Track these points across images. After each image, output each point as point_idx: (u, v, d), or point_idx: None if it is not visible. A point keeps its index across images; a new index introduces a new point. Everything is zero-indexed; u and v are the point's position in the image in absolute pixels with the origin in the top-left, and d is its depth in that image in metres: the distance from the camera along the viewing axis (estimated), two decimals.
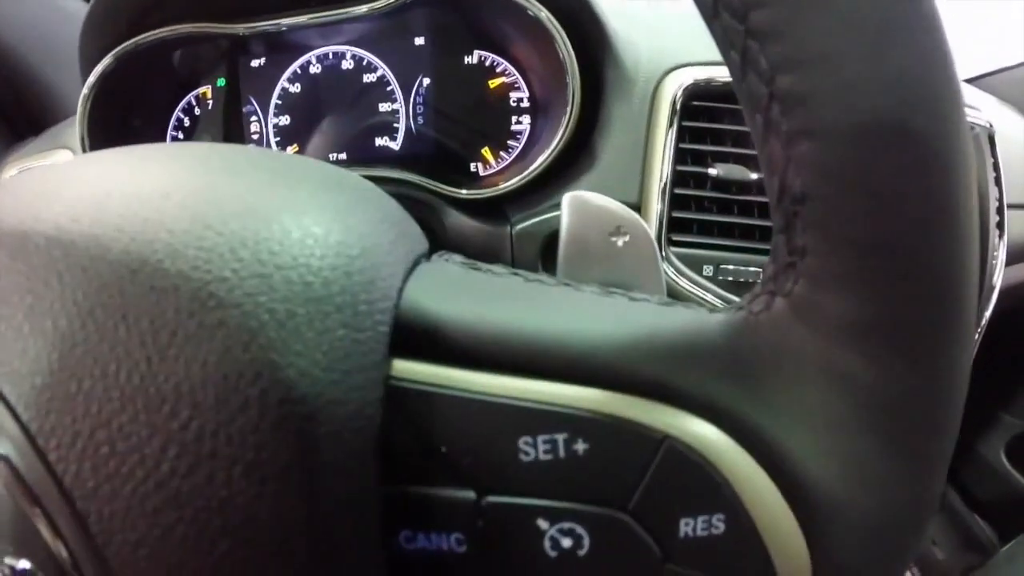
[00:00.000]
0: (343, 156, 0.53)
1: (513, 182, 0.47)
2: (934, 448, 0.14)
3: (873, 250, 0.13)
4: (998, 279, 0.53)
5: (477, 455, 0.15)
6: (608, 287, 0.18)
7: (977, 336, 0.53)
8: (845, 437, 0.14)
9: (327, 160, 0.54)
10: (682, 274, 0.46)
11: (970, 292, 0.13)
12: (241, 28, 0.52)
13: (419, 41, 0.52)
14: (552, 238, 0.47)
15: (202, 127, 0.57)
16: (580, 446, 0.14)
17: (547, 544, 0.15)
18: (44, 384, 0.15)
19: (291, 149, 0.54)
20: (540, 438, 0.14)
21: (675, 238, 0.47)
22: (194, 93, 0.57)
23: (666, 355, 0.15)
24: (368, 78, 0.53)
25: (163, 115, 0.57)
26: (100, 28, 0.52)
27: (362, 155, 0.53)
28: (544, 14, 0.46)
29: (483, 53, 0.52)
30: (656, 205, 0.46)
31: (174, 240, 0.15)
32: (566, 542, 0.15)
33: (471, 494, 0.15)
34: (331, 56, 0.53)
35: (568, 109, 0.46)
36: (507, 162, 0.52)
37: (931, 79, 0.12)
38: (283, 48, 0.54)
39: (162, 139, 0.57)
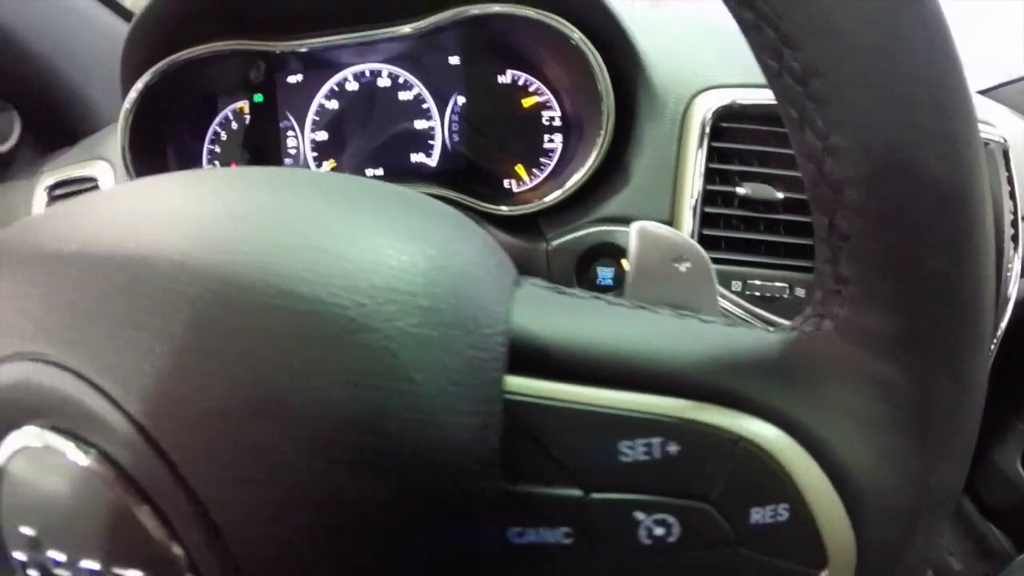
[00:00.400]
0: (379, 171, 0.55)
1: (551, 198, 0.49)
2: (957, 443, 0.17)
3: (905, 277, 0.16)
4: (1013, 290, 0.54)
5: (584, 458, 0.17)
6: (675, 308, 0.20)
7: (993, 346, 0.55)
8: (883, 435, 0.17)
9: (364, 175, 0.55)
10: None
11: (987, 306, 0.16)
12: (279, 46, 0.53)
13: (453, 60, 0.54)
14: (587, 254, 0.49)
15: (238, 141, 0.58)
16: (672, 448, 0.17)
17: (642, 533, 0.17)
18: (173, 398, 0.16)
19: (328, 164, 0.56)
20: (638, 441, 0.17)
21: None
22: (231, 107, 0.58)
23: (737, 369, 0.17)
24: (404, 95, 0.54)
25: (200, 128, 0.59)
26: (142, 43, 0.53)
27: (398, 171, 0.54)
28: (577, 35, 0.48)
29: (516, 72, 0.54)
30: (687, 223, 0.48)
31: (309, 268, 0.16)
32: (658, 531, 0.17)
33: (578, 492, 0.17)
34: (367, 74, 0.55)
35: (603, 129, 0.48)
36: (540, 179, 0.54)
37: (954, 134, 0.15)
38: (320, 65, 0.55)
39: (199, 152, 0.59)
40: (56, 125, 0.64)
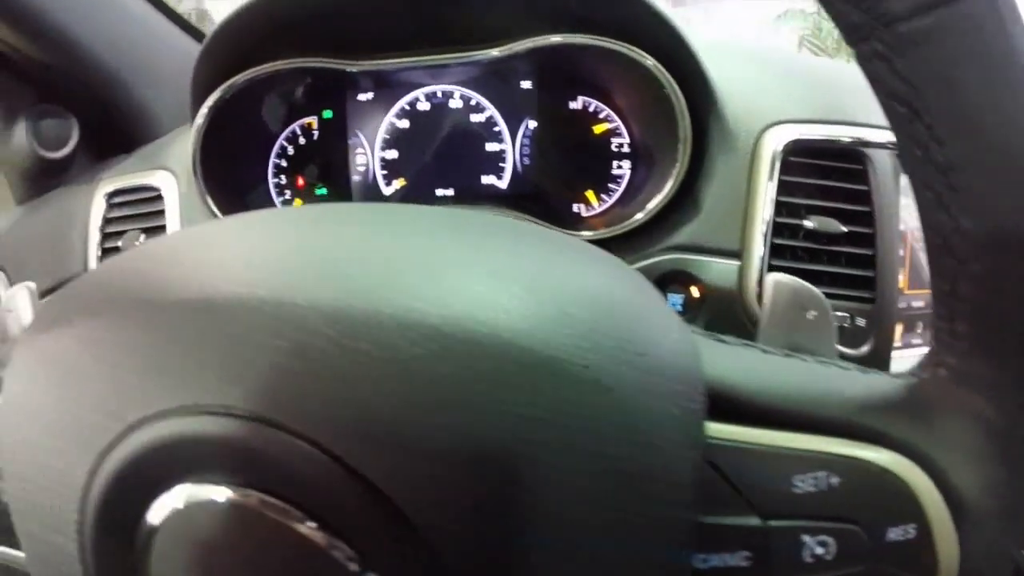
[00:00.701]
0: (450, 192, 0.56)
1: (627, 224, 0.50)
2: None
3: (1011, 337, 0.19)
4: None
5: (764, 490, 0.19)
6: (811, 354, 0.23)
7: None
8: (984, 462, 0.20)
9: (435, 196, 0.56)
10: None
11: None
12: (352, 65, 0.54)
13: (525, 85, 0.55)
14: (658, 280, 0.50)
15: (306, 156, 0.58)
16: (834, 480, 0.20)
17: (806, 553, 0.19)
18: (402, 448, 0.17)
19: (397, 183, 0.57)
20: (809, 475, 0.20)
21: None
22: (299, 123, 0.58)
23: (879, 411, 0.21)
24: (476, 117, 0.55)
25: (267, 143, 0.59)
26: (216, 59, 0.53)
27: (469, 192, 0.55)
28: (651, 62, 0.49)
29: (587, 99, 0.55)
30: (758, 254, 0.50)
31: (538, 324, 0.18)
32: (819, 550, 0.19)
33: (757, 520, 0.19)
34: (439, 94, 0.56)
35: (679, 159, 0.50)
36: (608, 204, 0.55)
37: None
38: (391, 84, 0.56)
39: (264, 166, 0.59)
40: (113, 133, 0.64)
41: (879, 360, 0.50)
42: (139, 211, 0.59)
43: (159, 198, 0.59)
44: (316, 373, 0.17)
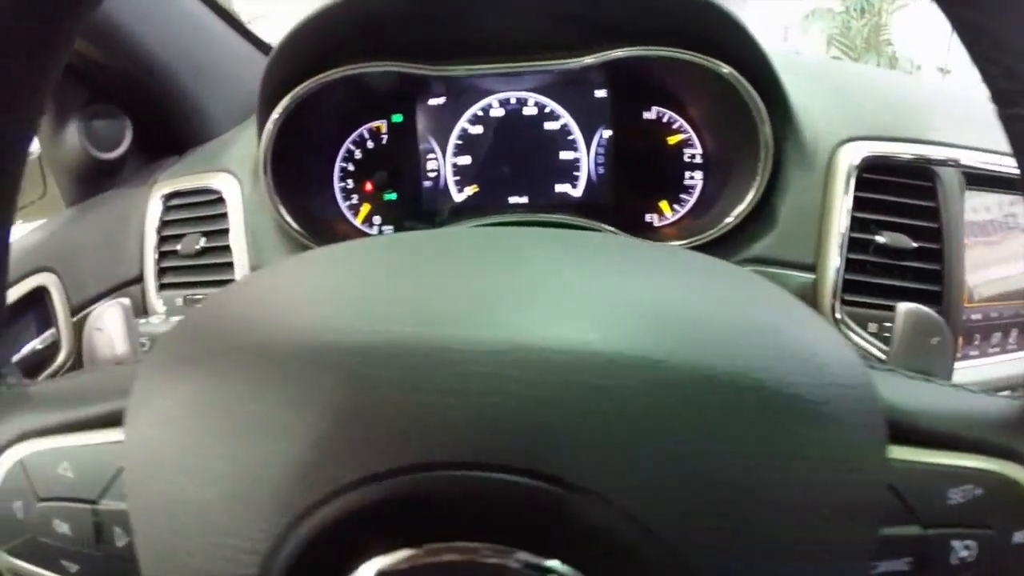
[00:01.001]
0: (524, 200, 0.56)
1: (707, 235, 0.51)
2: None
3: None
4: None
5: (925, 503, 0.22)
6: (938, 378, 0.26)
7: None
8: None
9: (507, 203, 0.56)
10: (852, 331, 0.51)
11: None
12: (425, 70, 0.53)
13: (600, 94, 0.55)
14: None
15: (373, 161, 0.58)
16: (979, 491, 0.22)
17: (953, 556, 0.21)
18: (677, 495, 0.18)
19: (470, 189, 0.56)
20: (960, 489, 0.22)
21: (846, 297, 0.51)
22: (367, 126, 0.58)
23: (1008, 430, 0.23)
24: (550, 125, 0.55)
25: (332, 146, 0.58)
26: (289, 61, 0.52)
27: (543, 200, 0.55)
28: (727, 70, 0.50)
29: (660, 109, 0.55)
30: (832, 268, 0.50)
31: (788, 368, 0.19)
32: (963, 553, 0.21)
33: (919, 528, 0.21)
34: (513, 101, 0.56)
35: (759, 170, 0.50)
36: (680, 215, 0.56)
37: None
38: (464, 90, 0.56)
39: (328, 169, 0.58)
40: (166, 133, 0.62)
41: None
42: (198, 214, 0.58)
43: (220, 201, 0.57)
44: (591, 422, 0.18)
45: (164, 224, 0.59)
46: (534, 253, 0.23)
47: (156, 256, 0.58)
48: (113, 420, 0.21)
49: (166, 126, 0.61)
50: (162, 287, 0.58)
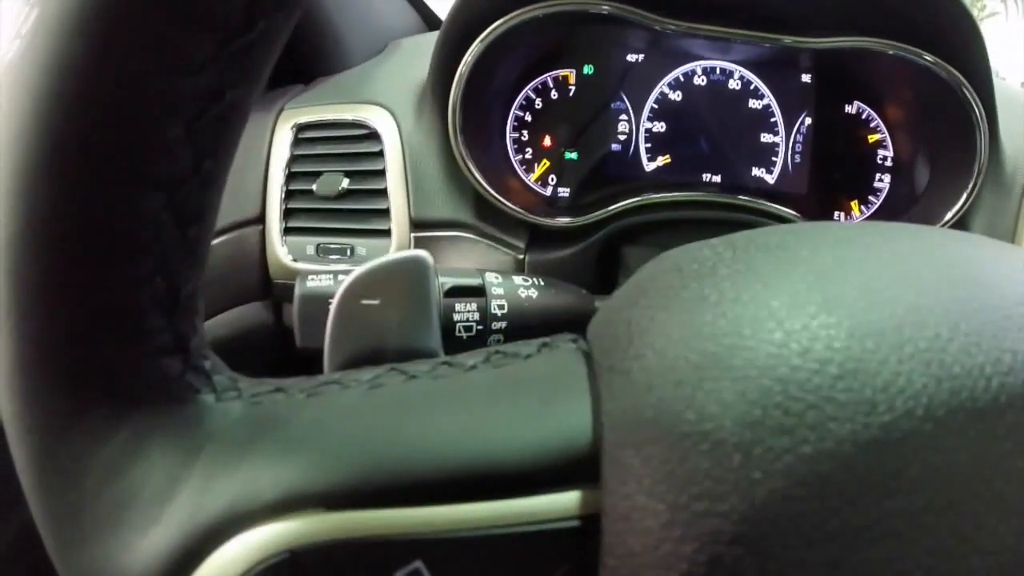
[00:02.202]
0: (717, 179, 0.52)
1: None
2: None
3: None
4: None
5: None
6: None
7: None
8: None
9: (700, 181, 0.52)
10: None
11: None
12: (636, 15, 0.47)
13: (805, 78, 0.52)
14: None
15: (555, 113, 0.51)
16: None
17: None
18: None
19: (662, 160, 0.51)
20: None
21: None
22: (552, 74, 0.51)
23: None
24: (754, 104, 0.52)
25: (511, 91, 0.51)
26: None
27: (737, 182, 0.52)
28: (958, 79, 0.48)
29: (861, 105, 0.53)
30: None
31: None
32: None
33: None
34: (718, 72, 0.51)
35: (968, 189, 0.49)
36: (864, 216, 0.54)
37: None
38: (667, 50, 0.51)
39: (503, 116, 0.51)
40: (293, 60, 0.53)
41: None
42: (339, 150, 0.49)
43: (371, 137, 0.49)
44: None
45: (294, 159, 0.49)
46: None
47: (283, 195, 0.49)
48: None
49: (295, 50, 0.52)
50: (288, 231, 0.49)
